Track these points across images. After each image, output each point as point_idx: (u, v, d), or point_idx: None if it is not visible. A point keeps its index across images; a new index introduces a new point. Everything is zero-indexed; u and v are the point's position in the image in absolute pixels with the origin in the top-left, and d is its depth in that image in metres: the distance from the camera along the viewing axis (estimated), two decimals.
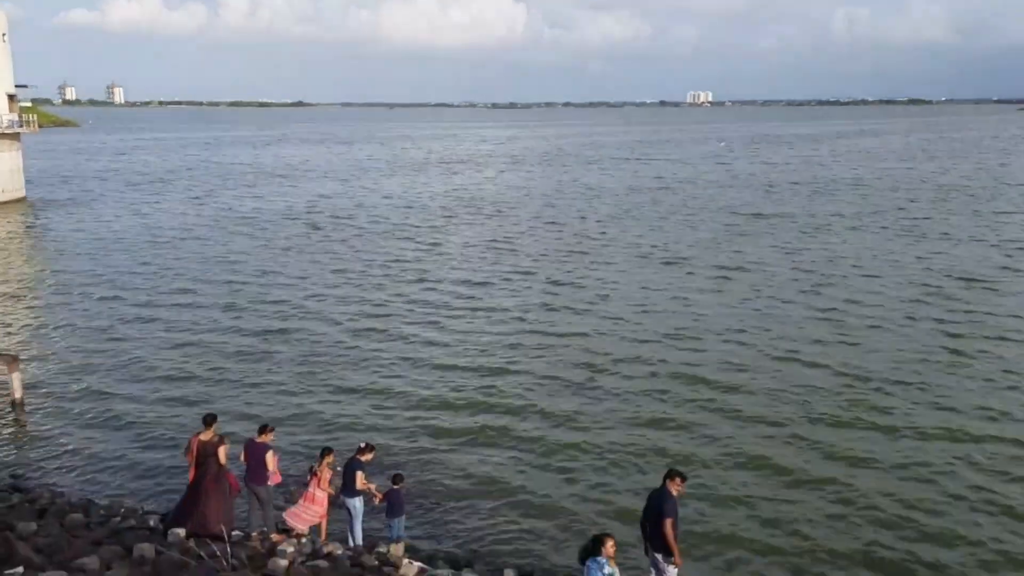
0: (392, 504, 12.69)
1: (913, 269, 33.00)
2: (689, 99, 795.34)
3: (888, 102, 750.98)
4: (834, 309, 27.03)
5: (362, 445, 13.07)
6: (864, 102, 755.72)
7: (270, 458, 12.64)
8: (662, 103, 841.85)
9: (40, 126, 71.77)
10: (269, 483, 12.81)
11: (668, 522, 10.05)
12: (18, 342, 24.35)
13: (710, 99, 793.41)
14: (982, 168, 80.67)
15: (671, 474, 10.53)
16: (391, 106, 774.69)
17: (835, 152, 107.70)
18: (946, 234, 41.41)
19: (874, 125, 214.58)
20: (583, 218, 48.39)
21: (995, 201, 54.49)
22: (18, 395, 18.98)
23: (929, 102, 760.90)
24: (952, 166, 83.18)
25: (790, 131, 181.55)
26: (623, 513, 13.84)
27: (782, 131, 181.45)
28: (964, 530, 13.47)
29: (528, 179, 73.78)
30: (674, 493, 10.35)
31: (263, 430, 12.94)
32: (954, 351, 22.53)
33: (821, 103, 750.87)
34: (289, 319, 26.48)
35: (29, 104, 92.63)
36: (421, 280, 32.15)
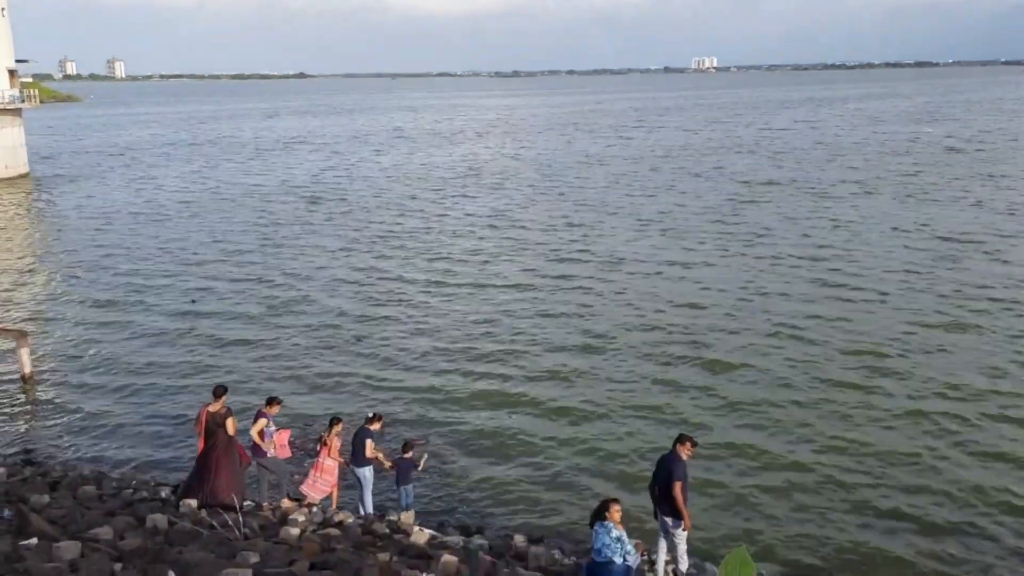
0: (401, 472, 12.79)
1: (919, 235, 32.69)
2: (694, 65, 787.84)
3: (895, 65, 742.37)
4: (838, 272, 27.01)
5: (370, 414, 13.14)
6: (871, 65, 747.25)
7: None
8: (666, 69, 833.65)
9: (41, 101, 71.53)
10: (271, 454, 12.93)
11: (678, 485, 10.09)
12: (27, 317, 24.45)
13: (715, 65, 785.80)
14: (988, 131, 79.89)
15: (681, 438, 10.55)
16: (393, 76, 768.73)
17: (841, 116, 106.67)
18: (953, 198, 41.07)
19: (881, 88, 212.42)
20: (583, 188, 47.78)
21: (1002, 164, 53.96)
22: (28, 370, 19.10)
23: (936, 64, 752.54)
24: (958, 129, 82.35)
25: (795, 95, 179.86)
26: (633, 479, 13.93)
27: (787, 95, 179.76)
28: (983, 484, 13.54)
29: (529, 149, 73.17)
30: (684, 457, 10.37)
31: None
32: (963, 317, 22.43)
33: (827, 67, 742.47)
34: (296, 290, 26.52)
35: (30, 79, 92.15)
36: (425, 251, 32.09)
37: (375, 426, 12.88)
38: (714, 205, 40.93)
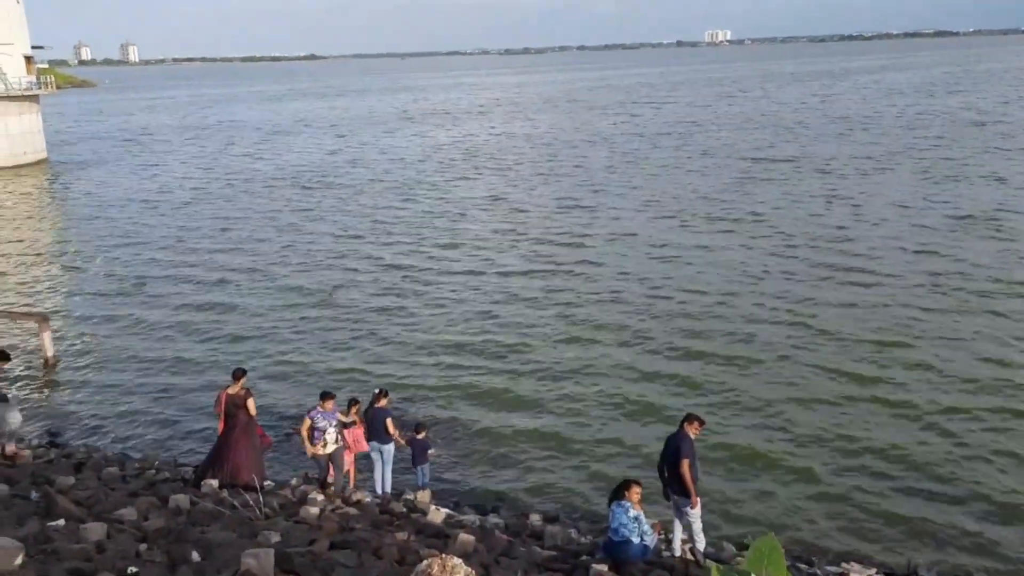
0: (416, 452, 12.95)
1: (934, 213, 31.91)
2: (707, 38, 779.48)
3: (913, 35, 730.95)
4: (850, 254, 26.62)
5: (377, 391, 13.22)
6: (888, 35, 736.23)
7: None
8: (679, 43, 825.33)
9: (58, 87, 71.74)
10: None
11: (686, 462, 10.16)
12: (48, 301, 24.78)
13: (728, 38, 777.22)
14: (1008, 102, 78.61)
15: (689, 417, 10.61)
16: (403, 56, 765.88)
17: (856, 89, 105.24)
18: (973, 174, 40.47)
19: (898, 59, 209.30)
20: (588, 168, 47.05)
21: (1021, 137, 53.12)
22: (50, 353, 19.38)
23: (956, 34, 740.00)
24: (978, 101, 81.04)
25: (809, 67, 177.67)
26: (650, 460, 14.00)
27: (801, 68, 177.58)
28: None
29: (535, 127, 72.67)
30: (692, 435, 10.43)
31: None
32: (985, 301, 22.17)
33: (844, 38, 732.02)
34: (311, 274, 26.63)
35: (46, 65, 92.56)
36: (434, 235, 32.07)
37: (383, 402, 12.99)
38: (722, 184, 40.13)
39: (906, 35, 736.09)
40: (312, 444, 12.43)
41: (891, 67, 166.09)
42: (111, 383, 18.46)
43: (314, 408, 12.69)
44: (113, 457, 14.46)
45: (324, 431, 12.41)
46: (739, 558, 10.93)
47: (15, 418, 13.38)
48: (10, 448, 13.10)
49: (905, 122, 63.49)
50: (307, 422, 12.50)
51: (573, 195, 38.79)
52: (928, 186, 37.42)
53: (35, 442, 14.87)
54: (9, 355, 14.42)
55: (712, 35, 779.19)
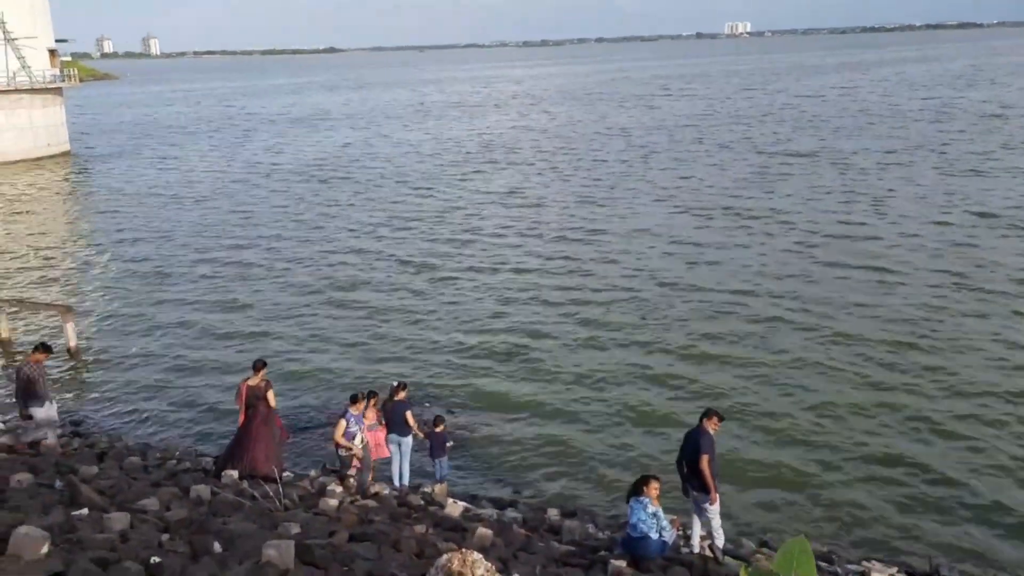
0: (435, 445, 12.99)
1: (956, 209, 31.36)
2: (727, 30, 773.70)
3: (937, 26, 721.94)
4: (870, 253, 26.31)
5: (395, 384, 13.26)
6: (911, 27, 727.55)
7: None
8: (698, 35, 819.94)
9: (81, 80, 72.47)
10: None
11: (705, 458, 10.14)
12: (71, 292, 25.05)
13: (748, 30, 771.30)
14: None
15: (708, 413, 10.61)
16: (422, 49, 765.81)
17: (877, 81, 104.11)
18: (997, 169, 39.96)
19: (921, 51, 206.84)
20: (604, 161, 46.86)
21: None
22: (73, 343, 19.60)
23: (980, 25, 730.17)
24: (1000, 94, 79.92)
25: (830, 60, 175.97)
26: (667, 457, 13.95)
27: (821, 60, 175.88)
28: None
29: (552, 120, 72.40)
30: (711, 431, 10.41)
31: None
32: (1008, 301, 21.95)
33: (866, 30, 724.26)
34: (326, 269, 26.61)
35: (69, 58, 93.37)
36: (447, 233, 32.13)
37: (402, 395, 13.03)
38: (740, 178, 39.67)
39: (928, 27, 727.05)
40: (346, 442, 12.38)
41: (913, 59, 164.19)
42: (132, 373, 18.66)
43: (345, 410, 12.59)
44: (135, 447, 14.62)
45: (354, 435, 12.41)
46: (758, 555, 10.89)
47: (52, 413, 13.60)
48: (50, 441, 13.23)
49: (927, 116, 62.67)
50: (342, 424, 12.45)
51: (589, 189, 38.60)
52: (950, 181, 36.86)
53: (58, 431, 15.04)
54: (51, 348, 14.48)
55: (732, 27, 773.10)
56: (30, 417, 13.26)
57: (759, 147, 49.76)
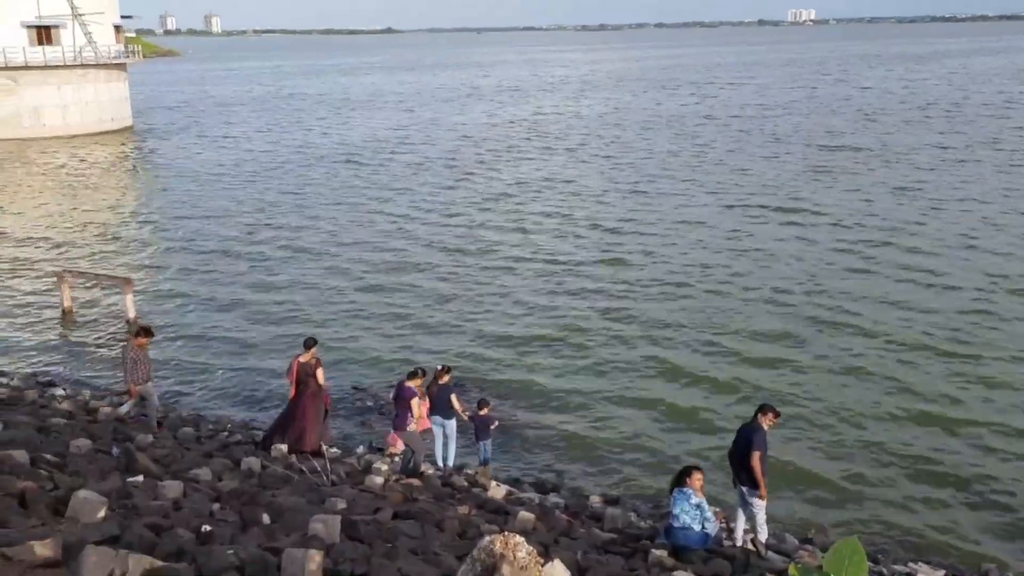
0: (479, 428, 13.08)
1: (1015, 212, 29.92)
2: (790, 17, 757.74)
3: (1012, 17, 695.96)
4: (923, 252, 25.55)
5: (439, 367, 13.33)
6: (984, 18, 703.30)
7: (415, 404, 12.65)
8: (760, 22, 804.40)
9: (144, 56, 74.06)
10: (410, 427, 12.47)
11: (757, 455, 9.93)
12: (131, 265, 25.74)
13: (812, 17, 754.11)
14: None
15: (763, 408, 10.34)
16: (479, 31, 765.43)
17: (943, 73, 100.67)
18: None
19: (992, 43, 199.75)
20: (655, 151, 46.00)
21: None
22: (132, 315, 20.17)
23: None
24: None
25: (895, 50, 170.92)
26: (712, 448, 13.86)
27: (886, 49, 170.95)
28: None
29: (605, 107, 71.54)
30: (765, 427, 10.18)
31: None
32: None
33: (935, 19, 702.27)
34: (382, 253, 26.72)
35: (133, 35, 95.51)
36: (492, 220, 32.09)
37: (446, 379, 13.10)
38: (791, 173, 38.34)
39: (1003, 17, 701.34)
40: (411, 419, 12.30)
41: (983, 51, 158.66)
42: (188, 345, 19.14)
43: (412, 389, 12.36)
44: (188, 417, 15.00)
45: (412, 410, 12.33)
46: (801, 551, 10.77)
47: (153, 397, 13.78)
48: (151, 424, 13.51)
49: (992, 111, 60.31)
50: (424, 403, 12.46)
51: (640, 179, 38.09)
52: (1011, 181, 35.41)
53: (115, 400, 15.49)
54: (152, 331, 14.41)
55: (795, 14, 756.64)
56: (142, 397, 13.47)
57: (814, 139, 48.43)
